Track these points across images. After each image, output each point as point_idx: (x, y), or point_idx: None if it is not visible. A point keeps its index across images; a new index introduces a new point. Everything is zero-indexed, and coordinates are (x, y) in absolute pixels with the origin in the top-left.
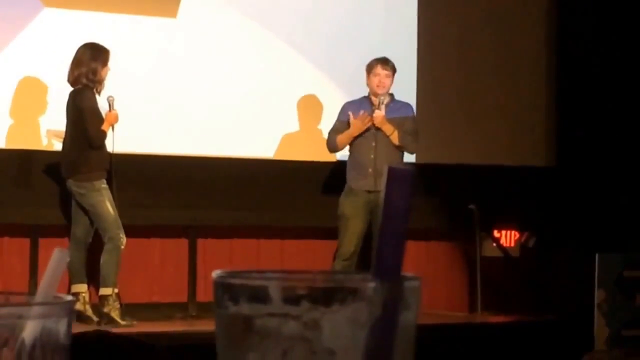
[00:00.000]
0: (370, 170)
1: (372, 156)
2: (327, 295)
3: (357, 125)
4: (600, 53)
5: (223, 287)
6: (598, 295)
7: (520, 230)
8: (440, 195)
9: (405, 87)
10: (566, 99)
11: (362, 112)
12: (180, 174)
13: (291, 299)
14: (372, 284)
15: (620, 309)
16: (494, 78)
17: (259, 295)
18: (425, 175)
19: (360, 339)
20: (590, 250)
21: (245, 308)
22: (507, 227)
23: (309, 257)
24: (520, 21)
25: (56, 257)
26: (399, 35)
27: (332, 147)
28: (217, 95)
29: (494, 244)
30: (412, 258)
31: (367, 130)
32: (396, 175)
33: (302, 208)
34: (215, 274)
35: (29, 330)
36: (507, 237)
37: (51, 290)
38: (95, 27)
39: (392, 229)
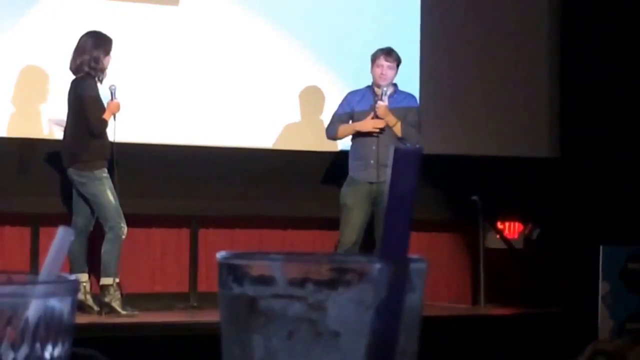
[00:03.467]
0: (372, 161)
1: (374, 147)
2: (332, 277)
3: (366, 125)
4: (604, 44)
5: (228, 269)
6: (602, 287)
7: (524, 222)
8: (443, 186)
9: (408, 78)
10: (570, 89)
11: (372, 115)
12: (182, 164)
13: (296, 280)
14: (377, 266)
15: (624, 302)
16: (497, 69)
17: (264, 277)
18: (429, 166)
19: (366, 321)
20: (595, 242)
21: (249, 289)
22: (511, 219)
23: (311, 247)
24: (524, 12)
25: (60, 235)
26: (402, 25)
27: (332, 135)
28: (220, 84)
29: (498, 236)
30: (414, 249)
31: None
32: (402, 156)
33: (304, 198)
34: (220, 255)
35: (33, 309)
36: (511, 229)
37: (55, 269)
38: (98, 15)
39: (399, 211)
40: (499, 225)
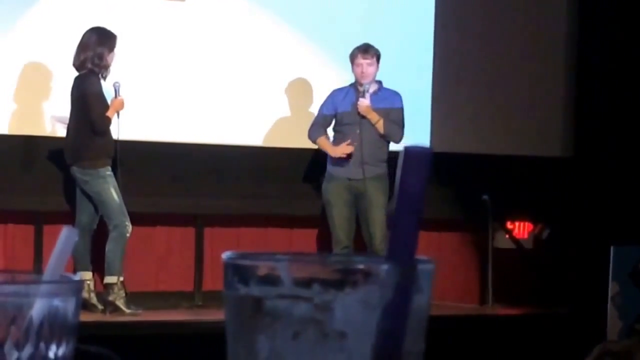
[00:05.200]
0: (352, 158)
1: (356, 144)
2: (338, 278)
3: (335, 152)
4: (620, 43)
5: (233, 269)
6: (612, 288)
7: (534, 222)
8: (453, 185)
9: (420, 76)
10: (583, 88)
11: (348, 141)
12: (187, 162)
13: (302, 281)
14: (385, 267)
15: (634, 302)
16: (510, 67)
17: (270, 277)
18: (438, 164)
19: (372, 322)
20: (605, 242)
21: (255, 290)
22: (521, 219)
23: (317, 245)
24: (539, 11)
25: (65, 235)
26: (415, 22)
27: (312, 140)
28: (226, 82)
29: (507, 236)
30: (422, 248)
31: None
32: (412, 155)
33: (310, 197)
34: (226, 255)
35: (37, 309)
36: (521, 229)
37: (59, 269)
38: (101, 11)
39: (407, 212)
40: (509, 225)
